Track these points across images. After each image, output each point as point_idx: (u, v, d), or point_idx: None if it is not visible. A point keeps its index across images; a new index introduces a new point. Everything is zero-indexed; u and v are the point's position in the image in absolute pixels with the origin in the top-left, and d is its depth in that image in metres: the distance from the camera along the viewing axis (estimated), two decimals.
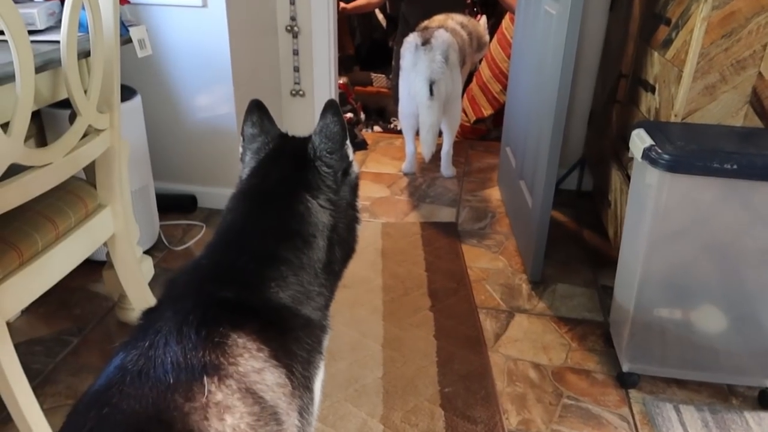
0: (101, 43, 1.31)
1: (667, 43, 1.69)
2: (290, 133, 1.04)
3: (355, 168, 0.99)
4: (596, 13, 2.42)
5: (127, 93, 1.94)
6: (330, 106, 0.93)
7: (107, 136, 1.43)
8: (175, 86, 2.27)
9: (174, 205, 2.41)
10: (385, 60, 4.09)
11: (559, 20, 1.78)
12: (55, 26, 1.43)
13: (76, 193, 1.43)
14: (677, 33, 1.63)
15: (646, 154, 1.40)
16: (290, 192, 0.92)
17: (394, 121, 3.63)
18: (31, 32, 1.40)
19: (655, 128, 1.50)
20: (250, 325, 0.74)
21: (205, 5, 2.11)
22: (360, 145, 3.15)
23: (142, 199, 2.06)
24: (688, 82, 1.55)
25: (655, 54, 1.79)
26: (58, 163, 1.26)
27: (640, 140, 1.45)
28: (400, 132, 2.92)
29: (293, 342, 0.79)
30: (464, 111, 3.53)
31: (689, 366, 1.56)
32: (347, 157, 0.95)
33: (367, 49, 4.28)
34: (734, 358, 1.53)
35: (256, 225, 0.88)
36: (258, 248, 0.85)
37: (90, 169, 1.48)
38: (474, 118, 3.55)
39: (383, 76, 4.16)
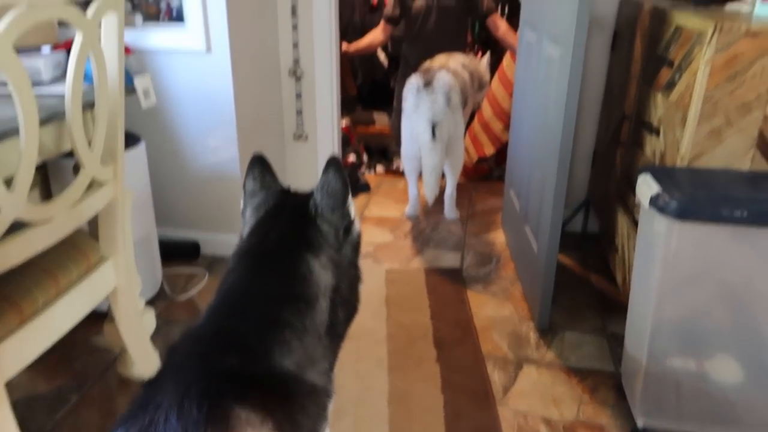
0: (106, 94, 1.31)
1: (671, 85, 1.69)
2: (292, 188, 1.03)
3: (357, 226, 0.97)
4: (597, 53, 2.43)
5: (130, 140, 1.94)
6: (332, 163, 0.92)
7: (111, 188, 1.42)
8: (178, 131, 2.27)
9: (177, 253, 2.39)
10: (388, 99, 4.13)
11: (561, 63, 1.79)
12: (61, 77, 1.44)
13: (78, 246, 1.41)
14: (680, 75, 1.63)
15: (654, 202, 1.38)
16: (291, 252, 0.90)
17: (396, 160, 3.64)
18: (36, 84, 1.42)
19: (661, 173, 1.48)
20: (254, 396, 0.71)
21: (209, 50, 2.13)
22: (363, 188, 3.14)
23: (145, 248, 2.04)
24: (693, 125, 1.54)
25: (659, 96, 1.79)
26: (61, 218, 1.24)
27: (647, 186, 1.43)
28: (402, 173, 2.92)
29: (299, 411, 0.76)
30: (466, 150, 3.54)
31: (707, 420, 1.50)
32: (349, 215, 0.93)
33: (369, 89, 4.32)
34: (754, 410, 1.48)
35: (258, 288, 0.86)
36: (260, 313, 0.83)
37: (92, 221, 1.47)
38: (476, 157, 3.56)
39: (385, 115, 4.19)
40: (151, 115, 2.22)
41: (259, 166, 1.01)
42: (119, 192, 1.46)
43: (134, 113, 2.14)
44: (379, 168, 3.69)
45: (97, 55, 1.22)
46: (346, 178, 0.92)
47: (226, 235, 2.39)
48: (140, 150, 1.96)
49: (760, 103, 1.48)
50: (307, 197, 0.95)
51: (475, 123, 3.61)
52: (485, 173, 3.57)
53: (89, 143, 1.30)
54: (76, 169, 1.32)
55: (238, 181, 2.31)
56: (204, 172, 2.32)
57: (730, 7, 1.77)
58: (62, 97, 1.21)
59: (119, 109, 1.36)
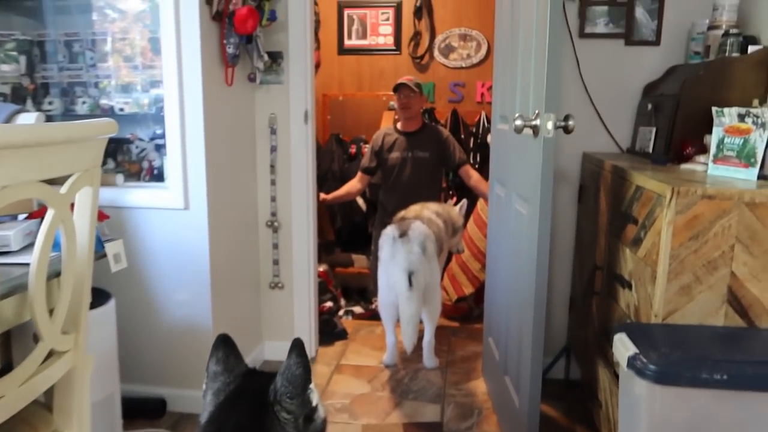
0: (73, 264, 1.30)
1: (637, 241, 1.73)
2: (258, 368, 1.00)
3: (321, 413, 0.93)
4: (565, 203, 2.53)
5: (100, 297, 1.90)
6: (295, 346, 0.89)
7: (70, 357, 1.36)
8: (151, 286, 2.24)
9: (142, 410, 2.25)
10: (366, 241, 4.18)
11: (530, 219, 1.84)
12: (31, 245, 1.42)
13: (29, 421, 1.32)
14: (645, 233, 1.67)
15: (632, 364, 1.35)
16: None
17: (375, 301, 3.61)
18: (5, 253, 1.41)
19: (637, 332, 1.47)
20: None
21: (187, 208, 2.17)
22: (340, 335, 3.07)
23: (106, 409, 1.92)
24: (663, 282, 1.55)
25: (627, 251, 1.83)
26: (12, 395, 1.17)
27: (623, 347, 1.41)
28: (380, 318, 2.88)
29: None
30: (445, 290, 3.54)
31: None
32: (309, 402, 0.89)
33: (348, 232, 4.39)
34: None
35: None
36: None
37: (47, 391, 1.38)
38: (455, 297, 3.55)
39: (364, 257, 4.22)
40: (124, 271, 2.19)
41: (224, 346, 0.98)
42: (79, 360, 1.39)
43: (106, 268, 2.12)
44: (358, 309, 3.65)
45: (68, 227, 1.22)
46: (308, 363, 0.89)
47: (195, 390, 2.25)
48: (109, 308, 1.91)
49: (725, 260, 1.52)
50: (269, 381, 0.91)
51: (453, 263, 3.65)
52: (465, 312, 3.55)
53: (51, 313, 1.26)
54: (36, 337, 1.27)
55: (209, 334, 2.24)
56: (175, 326, 2.26)
57: (684, 167, 1.87)
58: (28, 265, 1.20)
59: (86, 278, 1.34)
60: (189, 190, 2.15)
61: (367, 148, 3.81)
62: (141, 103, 2.28)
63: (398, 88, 3.45)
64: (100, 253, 1.53)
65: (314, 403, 0.90)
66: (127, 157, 2.29)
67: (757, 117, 1.63)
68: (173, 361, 2.29)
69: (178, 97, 2.10)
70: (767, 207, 1.46)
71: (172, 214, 2.18)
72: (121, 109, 2.28)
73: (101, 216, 1.62)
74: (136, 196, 2.18)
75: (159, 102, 2.21)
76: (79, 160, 1.23)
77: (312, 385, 0.90)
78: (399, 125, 3.57)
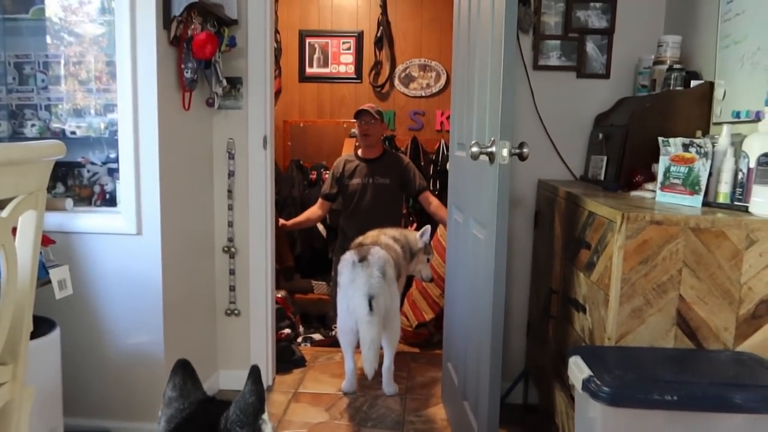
0: (14, 291, 1.24)
1: (590, 266, 1.77)
2: (216, 397, 0.97)
3: None
4: (521, 229, 2.57)
5: (44, 326, 1.82)
6: (251, 373, 0.87)
7: (7, 390, 1.29)
8: (99, 314, 2.17)
9: None
10: (326, 268, 4.15)
11: (486, 245, 1.86)
12: None
13: None
14: (598, 258, 1.71)
15: (586, 386, 1.36)
16: None
17: (335, 327, 3.56)
18: None
19: (591, 354, 1.49)
20: None
21: (139, 233, 2.12)
22: (298, 363, 3.02)
23: None
24: (615, 306, 1.59)
25: (581, 275, 1.86)
26: None
27: (578, 370, 1.42)
28: (339, 345, 2.84)
29: None
30: (406, 316, 3.53)
31: None
32: None
33: (308, 258, 4.36)
34: None
35: None
36: None
37: None
38: (416, 323, 3.54)
39: (324, 283, 4.19)
40: (71, 298, 2.12)
41: (182, 372, 0.95)
42: (17, 393, 1.32)
43: (52, 296, 2.04)
44: (317, 336, 3.60)
45: (9, 252, 1.17)
46: (262, 391, 0.86)
47: (145, 423, 2.18)
48: (53, 338, 1.83)
49: (673, 284, 1.56)
50: (223, 409, 0.88)
51: (414, 289, 3.65)
52: (425, 338, 3.54)
53: None
54: None
55: (161, 363, 2.17)
56: (125, 356, 2.18)
57: (634, 194, 1.93)
58: None
59: (27, 306, 1.28)
60: (142, 214, 2.10)
61: (328, 175, 3.81)
62: (95, 126, 2.23)
63: (359, 115, 3.48)
64: (43, 280, 1.48)
65: None
66: (78, 182, 2.23)
67: (701, 147, 1.70)
68: (123, 393, 2.20)
69: (132, 120, 2.07)
70: (711, 232, 1.52)
71: (124, 240, 2.12)
72: (73, 133, 2.22)
73: (46, 241, 1.57)
74: (86, 221, 2.12)
75: (113, 126, 2.16)
76: (23, 182, 1.18)
77: (265, 416, 0.87)
78: (360, 152, 3.59)
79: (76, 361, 2.14)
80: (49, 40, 2.25)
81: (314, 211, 3.66)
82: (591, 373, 1.38)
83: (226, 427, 0.85)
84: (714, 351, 1.56)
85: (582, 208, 1.87)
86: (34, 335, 1.48)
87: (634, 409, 1.33)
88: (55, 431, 1.86)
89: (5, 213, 1.14)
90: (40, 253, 1.39)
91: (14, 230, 1.24)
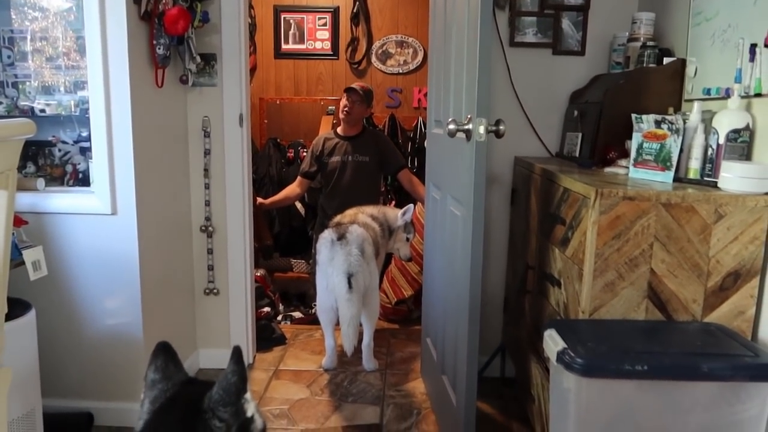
0: None
1: (565, 241, 1.80)
2: (199, 378, 0.97)
3: (259, 424, 0.91)
4: (498, 206, 2.60)
5: (19, 308, 1.80)
6: (234, 354, 0.87)
7: None
8: (75, 295, 2.14)
9: (67, 426, 2.14)
10: (305, 246, 4.16)
11: (464, 222, 1.88)
12: None
13: None
14: (573, 233, 1.74)
15: (561, 358, 1.40)
16: None
17: (314, 305, 3.58)
18: None
19: (565, 327, 1.53)
20: None
21: (114, 213, 2.09)
22: (278, 340, 3.04)
23: (26, 426, 1.81)
24: (589, 280, 1.62)
25: (556, 250, 1.89)
26: None
27: (553, 342, 1.46)
28: (319, 323, 2.86)
29: None
30: (385, 293, 3.56)
31: None
32: (244, 412, 0.87)
33: (287, 236, 4.35)
34: None
35: None
36: None
37: None
38: (395, 300, 3.57)
39: (303, 261, 4.19)
40: (46, 280, 2.09)
41: (163, 355, 0.95)
42: None
43: (27, 278, 2.01)
44: (297, 314, 3.62)
45: None
46: (244, 371, 0.87)
47: (125, 403, 2.19)
48: (29, 319, 1.81)
49: (645, 258, 1.60)
50: (206, 389, 0.89)
51: (393, 266, 3.68)
52: (405, 315, 3.58)
53: None
54: None
55: (140, 343, 2.16)
56: (103, 336, 2.17)
57: (608, 170, 1.97)
58: None
59: (1, 287, 1.27)
60: (117, 194, 2.07)
61: (306, 153, 3.79)
62: (65, 104, 2.18)
63: (349, 91, 3.46)
64: (16, 261, 1.45)
65: (249, 414, 0.88)
66: (49, 161, 2.18)
67: (672, 123, 1.73)
68: (101, 373, 2.19)
69: (104, 98, 2.02)
70: (681, 207, 1.56)
71: (99, 220, 2.09)
72: (42, 111, 2.16)
73: (18, 221, 1.54)
74: (59, 201, 2.08)
75: (84, 103, 2.11)
76: None
77: (248, 395, 0.88)
78: (339, 129, 3.58)
79: (54, 343, 2.12)
80: (13, 14, 2.18)
81: (293, 189, 3.65)
82: (565, 346, 1.42)
83: (209, 406, 0.85)
84: (683, 322, 1.62)
85: (557, 185, 1.90)
86: (9, 317, 1.46)
87: (606, 379, 1.37)
88: (33, 412, 1.85)
89: None
90: (13, 234, 1.37)
91: None
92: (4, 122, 1.17)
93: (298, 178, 3.63)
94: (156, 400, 0.91)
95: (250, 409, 0.88)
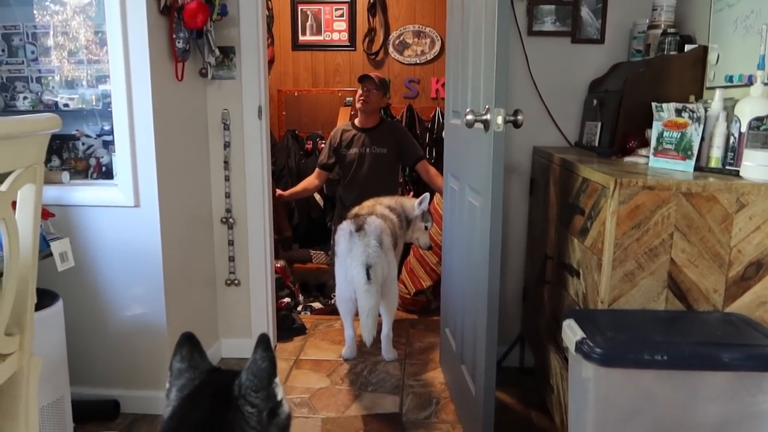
0: (16, 264, 1.26)
1: (584, 231, 1.80)
2: (222, 367, 1.00)
3: (286, 408, 0.93)
4: (517, 196, 2.59)
5: (47, 299, 1.85)
6: (260, 341, 0.90)
7: (15, 360, 1.32)
8: (101, 286, 2.19)
9: (94, 413, 2.20)
10: (324, 237, 4.19)
11: (482, 212, 1.88)
12: None
13: None
14: (592, 223, 1.74)
15: (579, 348, 1.40)
16: None
17: (334, 296, 3.61)
18: None
19: (584, 317, 1.53)
20: None
21: (137, 205, 2.13)
22: (298, 331, 3.07)
23: (55, 413, 1.87)
24: (608, 270, 1.62)
25: (575, 240, 1.89)
26: None
27: (571, 332, 1.46)
28: (339, 313, 2.89)
29: None
30: (404, 283, 3.58)
31: None
32: (275, 396, 0.90)
33: (306, 228, 4.38)
34: None
35: None
36: None
37: None
38: (414, 290, 3.59)
39: (322, 252, 4.22)
40: (73, 271, 2.14)
41: (188, 345, 0.98)
42: (25, 362, 1.35)
43: (55, 269, 2.06)
44: (317, 304, 3.65)
45: (10, 225, 1.19)
46: (273, 357, 0.89)
47: (149, 391, 2.24)
48: (56, 309, 1.86)
49: (665, 248, 1.59)
50: (233, 377, 0.91)
51: (411, 257, 3.69)
52: (424, 305, 3.59)
53: None
54: None
55: (164, 333, 2.21)
56: (127, 326, 2.21)
57: (627, 159, 1.95)
58: None
59: (31, 278, 1.31)
60: (139, 187, 2.11)
61: (324, 145, 3.80)
62: (87, 98, 2.22)
63: (362, 80, 3.46)
64: (45, 252, 1.50)
65: (279, 398, 0.91)
66: (73, 154, 2.23)
67: (693, 112, 1.71)
68: (126, 362, 2.25)
69: (125, 92, 2.06)
70: (702, 197, 1.54)
71: (122, 212, 2.13)
72: (66, 105, 2.21)
73: (45, 214, 1.58)
74: (83, 194, 2.13)
75: (106, 97, 2.15)
76: (21, 156, 1.19)
77: (277, 379, 0.90)
78: (357, 121, 3.58)
79: (81, 332, 2.17)
80: (35, 10, 2.22)
81: (311, 180, 3.67)
82: (584, 335, 1.42)
83: (240, 393, 0.88)
84: (703, 312, 1.60)
85: (576, 175, 1.89)
86: (37, 307, 1.51)
87: (625, 368, 1.37)
88: (62, 399, 1.91)
89: (4, 187, 1.16)
90: (41, 226, 1.41)
91: (14, 204, 1.25)
92: (32, 117, 1.20)
93: (317, 170, 3.66)
94: (184, 388, 0.94)
95: (280, 393, 0.91)
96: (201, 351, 0.99)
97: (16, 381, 1.34)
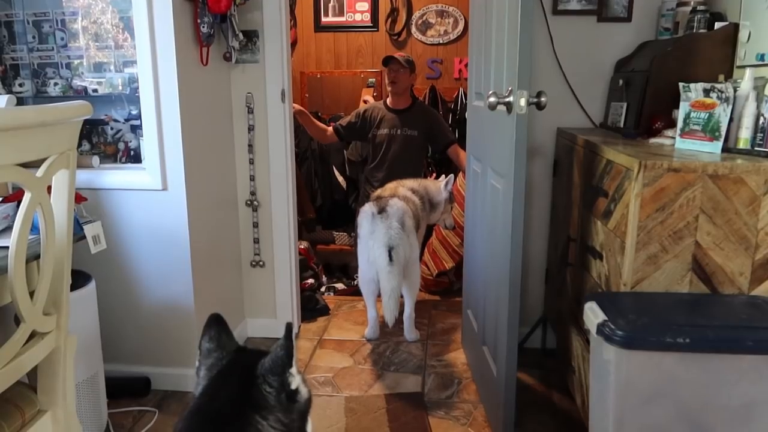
0: (53, 246, 1.31)
1: (608, 214, 1.79)
2: (248, 347, 1.04)
3: (304, 393, 0.97)
4: (541, 177, 2.58)
5: (80, 279, 1.91)
6: (286, 330, 0.93)
7: (53, 338, 1.38)
8: (132, 266, 2.25)
9: (126, 389, 2.28)
10: (347, 218, 4.22)
11: (504, 194, 1.88)
12: (9, 228, 1.43)
13: (14, 401, 1.34)
14: (615, 206, 1.73)
15: (601, 330, 1.41)
16: (239, 413, 0.89)
17: (356, 277, 3.65)
18: None
19: (606, 300, 1.53)
20: None
21: (165, 188, 2.18)
22: (322, 311, 3.12)
23: (90, 388, 1.94)
24: (631, 252, 1.61)
25: (599, 223, 1.88)
26: None
27: (593, 314, 1.47)
28: (361, 294, 2.92)
29: None
30: (426, 265, 3.60)
31: None
32: (288, 385, 0.93)
33: (329, 210, 4.42)
34: None
35: None
36: None
37: (32, 372, 1.40)
38: (436, 272, 3.61)
39: (345, 234, 4.26)
40: (103, 254, 2.19)
41: (216, 325, 1.02)
42: (62, 341, 1.41)
43: (85, 251, 2.12)
44: (340, 285, 3.70)
45: (46, 210, 1.23)
46: (291, 347, 0.93)
47: (179, 369, 2.31)
48: (90, 290, 1.92)
49: (689, 230, 1.58)
50: (258, 357, 0.95)
51: (434, 238, 3.70)
52: (446, 286, 3.61)
53: (32, 295, 1.28)
54: (18, 319, 1.29)
55: (192, 313, 2.27)
56: (157, 306, 2.28)
57: (653, 141, 1.93)
58: (7, 249, 1.21)
59: (66, 260, 1.36)
60: (167, 170, 2.16)
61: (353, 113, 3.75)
62: (115, 83, 2.26)
63: (387, 62, 3.45)
64: (78, 235, 1.54)
65: (293, 387, 0.94)
66: (103, 139, 2.28)
67: (722, 92, 1.68)
68: (156, 340, 2.32)
69: (152, 77, 2.09)
70: (729, 179, 1.52)
71: (151, 195, 2.18)
72: (95, 90, 2.25)
73: (78, 198, 1.63)
74: (113, 177, 2.18)
75: (133, 82, 2.19)
76: (55, 143, 1.23)
77: (293, 370, 0.94)
78: (389, 101, 3.58)
79: (112, 312, 2.24)
80: None
81: (326, 131, 3.65)
82: (605, 318, 1.42)
83: (261, 373, 0.92)
84: (729, 295, 1.59)
85: (600, 156, 1.87)
86: (72, 287, 1.56)
87: (647, 351, 1.38)
88: (96, 376, 1.98)
89: (40, 173, 1.20)
90: (74, 210, 1.45)
91: (48, 189, 1.29)
92: (65, 105, 1.23)
93: (332, 126, 3.64)
94: (213, 367, 0.98)
95: (294, 383, 0.94)
96: (228, 331, 1.03)
97: (53, 358, 1.40)
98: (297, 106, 3.38)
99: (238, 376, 0.95)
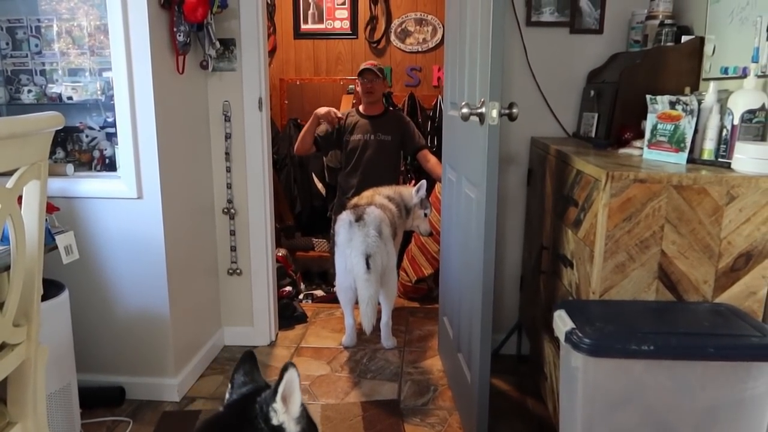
0: (23, 257, 1.30)
1: (578, 223, 1.83)
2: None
3: (291, 429, 1.03)
4: (515, 185, 2.61)
5: (53, 289, 1.90)
6: (283, 370, 1.01)
7: (23, 349, 1.37)
8: (105, 276, 2.24)
9: (100, 400, 2.26)
10: (326, 225, 4.22)
11: (478, 204, 1.91)
12: None
13: None
14: (584, 215, 1.76)
15: (569, 338, 1.44)
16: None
17: (335, 284, 3.66)
18: None
19: (575, 308, 1.56)
20: None
21: (140, 197, 2.17)
22: (300, 319, 3.12)
23: (62, 400, 1.92)
24: (599, 261, 1.65)
25: (569, 232, 1.92)
26: None
27: (562, 322, 1.50)
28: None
29: None
30: (405, 271, 3.62)
31: None
32: (269, 419, 1.01)
33: (308, 216, 4.42)
34: None
35: None
36: None
37: (1, 383, 1.39)
38: (415, 278, 3.63)
39: (324, 240, 4.26)
40: (78, 261, 2.18)
41: (249, 362, 1.14)
42: (32, 352, 1.40)
43: (60, 260, 2.11)
44: (319, 292, 3.70)
45: (16, 221, 1.23)
46: (277, 386, 1.00)
47: (154, 378, 2.30)
48: (62, 299, 1.90)
49: (655, 240, 1.62)
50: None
51: (413, 245, 3.72)
52: (425, 293, 3.64)
53: (1, 307, 1.27)
54: None
55: (167, 322, 2.26)
56: (132, 315, 2.27)
57: (622, 151, 1.97)
58: None
59: (37, 271, 1.35)
60: (142, 179, 2.15)
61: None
62: (90, 89, 2.25)
63: (363, 73, 3.47)
64: (50, 246, 1.54)
65: (274, 422, 1.00)
66: (78, 146, 2.27)
67: (686, 104, 1.72)
68: (131, 350, 2.30)
69: (127, 85, 2.09)
70: (693, 189, 1.56)
71: (126, 204, 2.17)
72: (70, 98, 2.24)
73: (50, 208, 1.62)
74: (87, 185, 2.17)
75: (109, 89, 2.18)
76: (25, 154, 1.23)
77: (276, 405, 1.00)
78: (361, 108, 3.60)
79: (86, 321, 2.22)
80: (40, 2, 2.24)
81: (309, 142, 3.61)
82: (573, 326, 1.45)
83: (257, 407, 1.02)
84: (693, 303, 1.64)
85: (570, 167, 1.91)
86: (44, 297, 1.55)
87: (613, 358, 1.41)
88: (69, 387, 1.96)
89: (10, 184, 1.19)
90: (46, 220, 1.45)
91: (20, 199, 1.29)
92: (36, 116, 1.23)
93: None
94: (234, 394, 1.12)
95: (275, 418, 1.01)
96: (258, 369, 1.14)
97: (24, 370, 1.39)
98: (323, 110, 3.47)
99: (242, 407, 1.04)
